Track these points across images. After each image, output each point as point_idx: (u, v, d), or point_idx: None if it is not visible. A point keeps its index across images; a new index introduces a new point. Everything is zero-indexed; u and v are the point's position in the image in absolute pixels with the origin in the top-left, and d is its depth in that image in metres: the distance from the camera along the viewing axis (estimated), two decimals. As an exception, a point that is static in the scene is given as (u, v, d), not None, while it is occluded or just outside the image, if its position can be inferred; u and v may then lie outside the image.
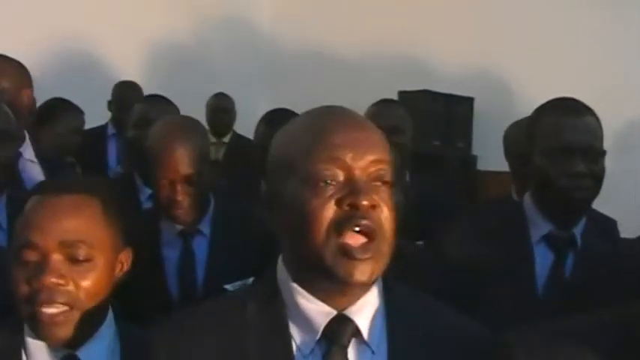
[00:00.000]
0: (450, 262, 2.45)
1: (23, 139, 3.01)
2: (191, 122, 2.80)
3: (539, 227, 2.42)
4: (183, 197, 2.62)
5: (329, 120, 1.50)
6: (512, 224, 2.45)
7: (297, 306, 1.47)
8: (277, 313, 1.48)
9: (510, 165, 3.67)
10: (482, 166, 6.36)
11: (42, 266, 1.67)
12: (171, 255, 2.69)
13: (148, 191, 3.38)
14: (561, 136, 2.35)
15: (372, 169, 1.45)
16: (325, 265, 1.42)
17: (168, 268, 2.68)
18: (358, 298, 1.48)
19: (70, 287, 1.69)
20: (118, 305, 1.88)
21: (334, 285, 1.44)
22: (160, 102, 3.62)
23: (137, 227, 2.07)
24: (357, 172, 1.44)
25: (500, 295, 2.36)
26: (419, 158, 5.85)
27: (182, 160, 2.61)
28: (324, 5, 7.26)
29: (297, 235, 1.44)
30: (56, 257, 1.68)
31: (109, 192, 1.83)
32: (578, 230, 2.43)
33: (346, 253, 1.41)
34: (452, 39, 6.52)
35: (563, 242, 2.41)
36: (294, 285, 1.48)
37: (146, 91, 5.53)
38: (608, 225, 2.95)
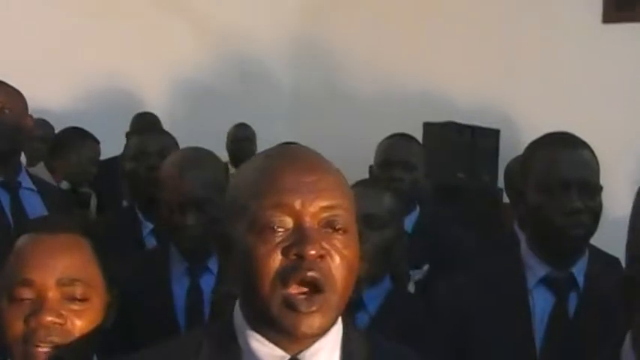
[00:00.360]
0: (445, 322, 2.38)
1: (20, 168, 2.97)
2: (205, 151, 2.80)
3: (536, 270, 2.32)
4: (192, 222, 2.60)
5: (280, 162, 1.44)
6: (507, 272, 2.37)
7: (251, 350, 1.43)
8: (232, 357, 1.44)
9: (511, 200, 3.62)
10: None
11: (39, 304, 1.65)
12: (179, 291, 2.68)
13: (150, 226, 3.36)
14: (557, 170, 2.26)
15: (324, 215, 1.39)
16: (271, 316, 1.38)
17: (177, 305, 2.67)
18: (313, 343, 1.43)
19: (68, 326, 1.66)
20: (125, 341, 1.84)
21: (283, 335, 1.40)
22: (157, 134, 3.59)
23: (124, 269, 2.05)
24: (307, 219, 1.38)
25: (497, 346, 2.28)
26: (443, 190, 5.84)
27: (193, 184, 2.61)
28: (348, 38, 7.24)
29: (245, 282, 1.40)
30: (53, 295, 1.66)
31: (97, 233, 1.81)
32: (579, 269, 2.33)
33: (291, 305, 1.36)
34: (477, 71, 6.50)
35: (563, 283, 2.31)
36: (249, 329, 1.44)
37: (168, 124, 5.56)
38: (611, 263, 2.87)
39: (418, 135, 6.26)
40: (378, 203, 2.65)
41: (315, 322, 1.37)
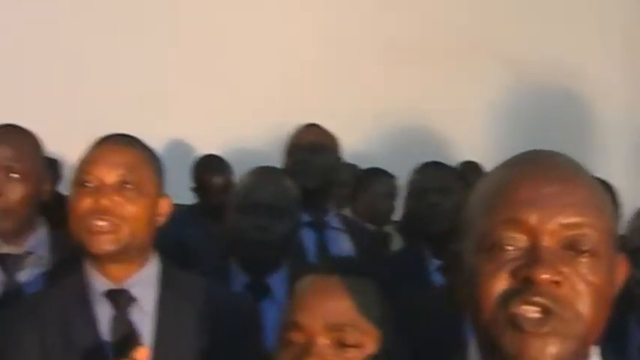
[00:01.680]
0: None
1: (300, 215, 2.91)
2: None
3: None
4: None
5: (516, 171, 1.24)
6: None
7: None
8: None
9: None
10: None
11: (307, 349, 1.55)
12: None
13: (436, 262, 3.19)
14: None
15: (566, 234, 1.17)
16: (494, 339, 1.17)
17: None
18: None
19: None
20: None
21: None
22: (438, 170, 3.42)
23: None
24: (544, 238, 1.17)
25: None
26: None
27: None
28: None
29: (470, 306, 1.21)
30: (322, 341, 1.55)
31: (385, 278, 1.69)
32: None
33: (516, 324, 1.15)
34: None
35: None
36: None
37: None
38: None
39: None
40: None
41: (548, 348, 1.14)
